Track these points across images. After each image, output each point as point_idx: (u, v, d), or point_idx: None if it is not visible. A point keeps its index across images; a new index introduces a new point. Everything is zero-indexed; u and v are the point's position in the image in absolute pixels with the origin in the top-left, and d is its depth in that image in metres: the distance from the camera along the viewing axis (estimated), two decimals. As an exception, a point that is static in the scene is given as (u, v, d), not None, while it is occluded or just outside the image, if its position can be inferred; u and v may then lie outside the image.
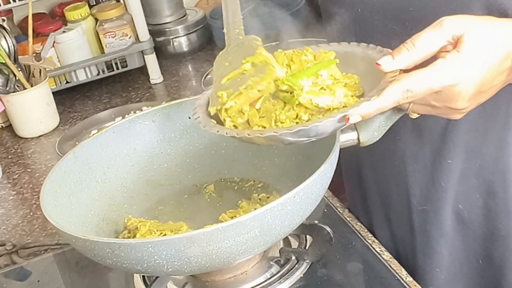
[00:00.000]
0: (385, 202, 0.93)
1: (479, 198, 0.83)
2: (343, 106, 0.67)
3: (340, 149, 0.77)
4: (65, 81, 1.57)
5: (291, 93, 0.68)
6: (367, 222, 0.95)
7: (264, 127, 0.69)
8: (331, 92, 0.68)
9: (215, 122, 0.72)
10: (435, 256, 0.88)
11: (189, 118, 0.92)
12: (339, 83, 0.69)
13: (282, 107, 0.68)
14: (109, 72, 1.59)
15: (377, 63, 0.65)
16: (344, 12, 0.83)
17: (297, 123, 0.68)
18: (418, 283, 0.80)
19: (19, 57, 1.44)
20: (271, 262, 0.82)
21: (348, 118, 0.65)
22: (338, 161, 0.76)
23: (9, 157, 1.38)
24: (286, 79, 0.68)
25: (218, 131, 0.69)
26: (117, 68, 1.59)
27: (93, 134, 0.90)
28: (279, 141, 0.67)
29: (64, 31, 1.57)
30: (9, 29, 1.48)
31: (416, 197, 0.87)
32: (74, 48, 1.56)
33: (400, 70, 0.66)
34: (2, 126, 1.50)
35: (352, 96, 0.69)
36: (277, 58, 0.72)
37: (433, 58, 0.66)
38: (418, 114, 0.70)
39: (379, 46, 0.72)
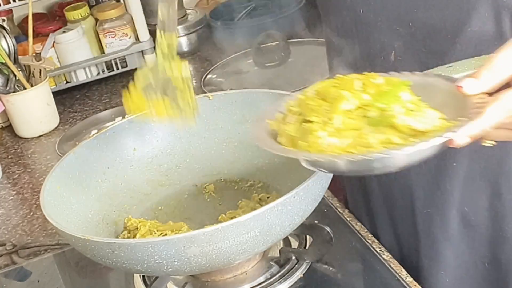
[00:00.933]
0: (388, 205, 0.92)
1: (485, 200, 0.82)
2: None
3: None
4: (65, 81, 1.57)
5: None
6: (370, 225, 0.94)
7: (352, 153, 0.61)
8: (422, 114, 0.62)
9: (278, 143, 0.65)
10: (441, 259, 0.88)
11: (190, 118, 0.93)
12: (423, 107, 0.63)
13: (370, 130, 0.61)
14: (109, 72, 1.59)
15: (458, 86, 0.61)
16: (345, 14, 0.83)
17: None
18: (423, 287, 0.80)
19: (19, 57, 1.45)
20: (271, 262, 0.82)
21: (454, 140, 0.58)
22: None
23: (9, 157, 1.38)
24: (378, 99, 0.62)
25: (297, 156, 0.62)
26: (117, 68, 1.59)
27: (93, 134, 0.91)
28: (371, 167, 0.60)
29: (64, 31, 1.57)
30: (9, 29, 1.48)
31: (420, 201, 0.86)
32: (74, 48, 1.56)
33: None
34: (2, 126, 1.50)
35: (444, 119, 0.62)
36: (346, 82, 0.66)
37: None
38: (495, 142, 0.65)
39: (443, 74, 0.67)
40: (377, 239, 0.88)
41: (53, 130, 1.46)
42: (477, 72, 0.61)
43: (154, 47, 1.56)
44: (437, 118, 0.62)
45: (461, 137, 0.59)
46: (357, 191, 0.98)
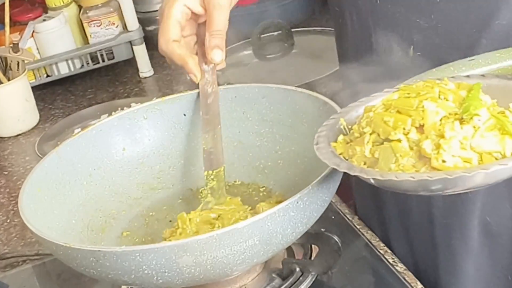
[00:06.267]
0: (403, 214, 0.93)
1: (509, 208, 0.83)
2: None
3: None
4: (45, 75, 1.58)
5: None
6: (382, 235, 0.95)
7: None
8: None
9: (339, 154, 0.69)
10: (461, 274, 0.89)
11: (184, 115, 0.94)
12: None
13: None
14: (94, 64, 1.60)
15: None
16: (360, 3, 0.84)
17: None
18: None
19: (-5, 48, 1.46)
20: (273, 275, 0.83)
21: None
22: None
23: (-17, 158, 1.39)
24: (465, 106, 0.64)
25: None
26: (103, 61, 1.60)
27: (77, 133, 0.91)
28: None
29: (44, 20, 1.58)
30: (-17, 17, 1.49)
31: (439, 209, 0.87)
32: (55, 38, 1.57)
33: None
34: (-25, 124, 1.51)
35: None
36: (423, 91, 0.68)
37: None
38: None
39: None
40: (390, 250, 0.89)
41: (32, 128, 1.47)
42: None
43: (143, 37, 1.58)
44: None
45: None
46: (368, 198, 0.99)
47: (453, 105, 0.66)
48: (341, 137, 0.72)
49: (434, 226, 0.89)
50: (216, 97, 0.87)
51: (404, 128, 0.65)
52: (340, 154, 0.70)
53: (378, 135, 0.67)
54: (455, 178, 0.60)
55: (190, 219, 0.82)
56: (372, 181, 0.65)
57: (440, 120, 0.64)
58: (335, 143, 0.71)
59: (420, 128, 0.65)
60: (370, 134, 0.68)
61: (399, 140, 0.65)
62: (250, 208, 0.84)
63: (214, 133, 0.86)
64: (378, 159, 0.66)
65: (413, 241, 0.94)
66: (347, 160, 0.69)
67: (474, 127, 0.63)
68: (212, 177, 0.85)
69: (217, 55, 0.80)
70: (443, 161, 0.62)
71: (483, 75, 0.72)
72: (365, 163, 0.67)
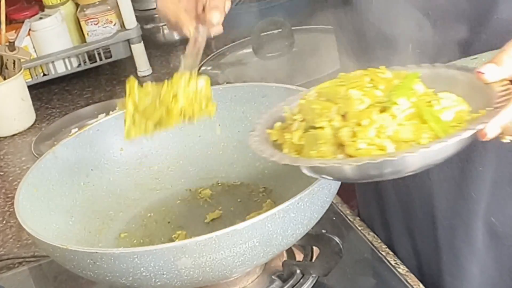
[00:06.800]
0: (406, 216, 0.93)
1: None
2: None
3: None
4: (42, 74, 1.58)
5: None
6: (386, 238, 0.95)
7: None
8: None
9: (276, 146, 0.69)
10: (465, 276, 0.89)
11: (182, 114, 0.94)
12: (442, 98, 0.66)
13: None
14: (91, 63, 1.60)
15: (478, 72, 0.63)
16: (356, 1, 0.84)
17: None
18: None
19: (-10, 46, 1.46)
20: (273, 277, 0.83)
21: (486, 133, 0.59)
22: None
23: (-21, 159, 1.39)
24: (392, 94, 0.65)
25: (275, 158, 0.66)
26: (101, 59, 1.60)
27: (74, 133, 0.91)
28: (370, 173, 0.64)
29: (41, 18, 1.58)
30: (-21, 15, 1.49)
31: (442, 210, 0.87)
32: (52, 37, 1.57)
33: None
34: (-29, 124, 1.51)
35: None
36: (353, 80, 0.69)
37: None
38: None
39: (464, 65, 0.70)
40: (393, 253, 0.89)
41: (29, 128, 1.47)
42: (497, 58, 0.63)
43: (141, 35, 1.58)
44: (464, 108, 0.64)
45: (493, 128, 0.60)
46: (370, 199, 0.99)
47: (381, 94, 0.66)
48: (278, 124, 0.72)
49: (437, 227, 0.89)
50: (203, 42, 0.85)
51: (329, 116, 0.66)
52: (275, 141, 0.70)
53: (307, 122, 0.68)
54: (363, 165, 0.60)
55: (148, 91, 0.79)
56: (305, 170, 0.66)
57: (367, 109, 0.64)
58: (271, 130, 0.71)
59: (346, 116, 0.66)
60: (301, 121, 0.69)
61: (322, 128, 0.65)
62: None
63: (195, 57, 0.85)
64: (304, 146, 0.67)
65: (417, 243, 0.94)
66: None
67: (392, 115, 0.63)
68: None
69: (215, 16, 0.80)
70: (358, 149, 0.62)
71: (433, 65, 0.72)
72: (296, 150, 0.68)
